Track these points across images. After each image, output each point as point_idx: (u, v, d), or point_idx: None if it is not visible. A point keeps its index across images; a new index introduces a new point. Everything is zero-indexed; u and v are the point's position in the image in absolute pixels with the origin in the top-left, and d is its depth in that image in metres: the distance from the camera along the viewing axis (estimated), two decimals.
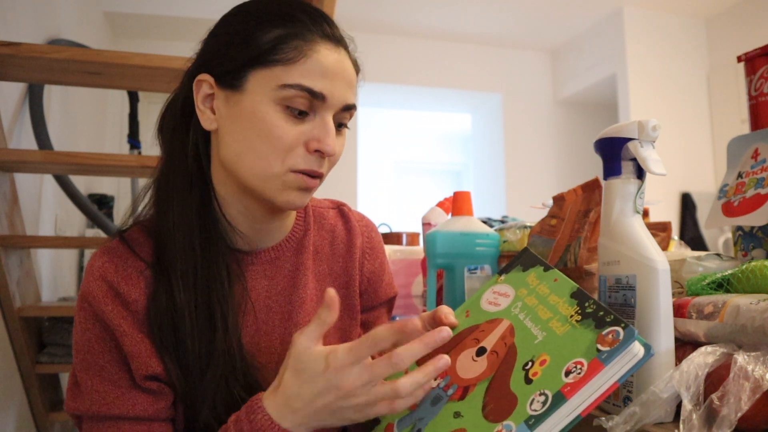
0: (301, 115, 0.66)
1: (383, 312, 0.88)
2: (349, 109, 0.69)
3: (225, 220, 0.71)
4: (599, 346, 0.50)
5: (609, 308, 0.53)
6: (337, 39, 0.68)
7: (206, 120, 0.69)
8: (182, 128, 0.72)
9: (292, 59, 0.64)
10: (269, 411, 0.56)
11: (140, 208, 0.73)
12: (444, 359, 0.54)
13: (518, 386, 0.52)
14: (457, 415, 0.55)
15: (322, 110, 0.66)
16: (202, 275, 0.67)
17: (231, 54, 0.67)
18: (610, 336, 0.50)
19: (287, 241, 0.77)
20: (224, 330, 0.66)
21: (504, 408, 0.51)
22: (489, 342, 0.60)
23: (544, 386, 0.50)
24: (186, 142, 0.71)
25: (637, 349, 0.49)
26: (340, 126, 0.70)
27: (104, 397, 0.65)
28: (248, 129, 0.65)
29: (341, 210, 0.85)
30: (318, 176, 0.69)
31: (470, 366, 0.59)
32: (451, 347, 0.63)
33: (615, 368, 0.49)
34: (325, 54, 0.66)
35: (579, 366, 0.49)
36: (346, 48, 0.70)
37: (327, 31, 0.67)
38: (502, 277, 0.68)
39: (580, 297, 0.56)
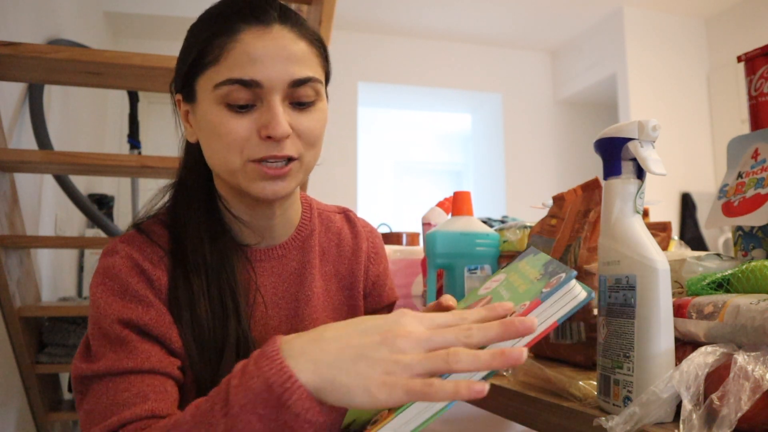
0: (243, 108, 0.65)
1: None
2: (302, 83, 0.66)
3: (232, 215, 0.74)
4: (544, 290, 0.52)
5: (560, 264, 0.55)
6: (265, 21, 0.66)
7: (188, 134, 0.74)
8: (185, 142, 0.78)
9: (218, 57, 0.65)
10: (283, 347, 0.48)
11: (156, 207, 0.77)
12: (519, 352, 0.45)
13: None
14: None
15: (267, 96, 0.65)
16: (212, 265, 0.70)
17: (181, 70, 0.71)
18: (555, 280, 0.52)
19: (293, 239, 0.79)
20: (236, 317, 0.68)
21: None
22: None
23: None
24: (187, 153, 0.77)
25: (577, 291, 0.51)
26: (302, 105, 0.68)
27: (117, 354, 0.62)
28: (207, 133, 0.68)
29: (347, 215, 0.88)
30: (282, 159, 0.67)
31: None
32: None
33: (554, 307, 0.50)
34: (250, 41, 0.65)
35: (523, 306, 0.51)
36: (284, 23, 0.67)
37: (250, 18, 0.66)
38: (502, 268, 0.71)
39: (548, 263, 0.59)
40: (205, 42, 0.66)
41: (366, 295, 0.85)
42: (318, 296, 0.79)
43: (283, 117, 0.65)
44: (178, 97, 0.73)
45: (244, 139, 0.66)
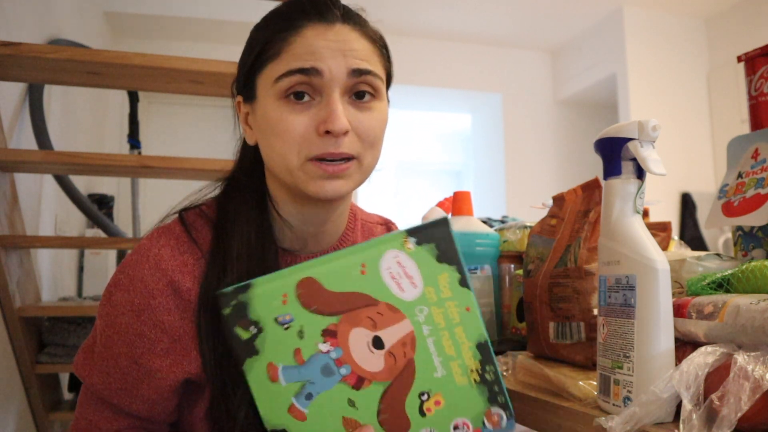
0: (302, 100, 0.65)
1: None
2: (362, 74, 0.66)
3: (281, 219, 0.72)
4: (485, 420, 0.58)
5: (502, 384, 0.60)
6: (328, 19, 0.66)
7: (248, 136, 0.73)
8: (242, 142, 0.78)
9: (279, 51, 0.65)
10: None
11: (205, 196, 0.76)
12: None
13: (413, 413, 0.57)
14: (351, 403, 0.56)
15: (326, 89, 0.65)
16: (254, 262, 0.68)
17: (242, 69, 0.71)
18: (496, 417, 0.58)
19: (332, 248, 0.78)
20: None
21: (398, 427, 0.57)
22: (387, 337, 0.57)
23: (434, 426, 0.57)
24: (242, 154, 0.78)
25: None
26: (362, 97, 0.67)
27: (109, 381, 0.65)
28: (266, 132, 0.67)
29: (389, 226, 0.91)
30: (342, 158, 0.66)
31: (366, 356, 0.57)
32: (343, 307, 0.57)
33: None
34: (311, 36, 0.65)
35: (465, 427, 0.57)
36: (346, 22, 0.68)
37: (313, 16, 0.66)
38: (411, 246, 0.58)
39: (484, 353, 0.59)
40: (267, 39, 0.66)
41: None
42: None
43: (342, 112, 0.65)
44: (239, 99, 0.73)
45: (303, 136, 0.65)
